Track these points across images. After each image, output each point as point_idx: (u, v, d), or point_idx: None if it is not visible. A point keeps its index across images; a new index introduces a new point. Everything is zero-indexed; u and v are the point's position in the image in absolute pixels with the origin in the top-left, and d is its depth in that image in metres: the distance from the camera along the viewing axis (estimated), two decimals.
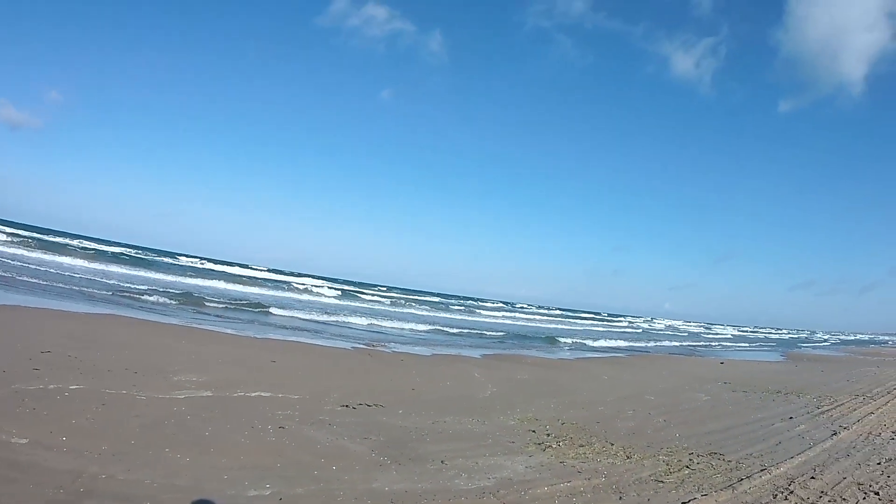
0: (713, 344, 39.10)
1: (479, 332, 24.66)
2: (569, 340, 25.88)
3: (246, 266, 50.63)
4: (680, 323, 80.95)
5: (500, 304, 62.48)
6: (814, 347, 48.46)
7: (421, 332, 21.78)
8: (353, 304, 35.52)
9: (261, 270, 50.41)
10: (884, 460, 6.21)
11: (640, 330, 52.83)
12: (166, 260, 41.89)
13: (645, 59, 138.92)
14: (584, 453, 5.94)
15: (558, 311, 66.57)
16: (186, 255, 49.14)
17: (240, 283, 32.94)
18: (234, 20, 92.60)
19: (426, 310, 38.56)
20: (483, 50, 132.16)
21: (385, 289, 57.55)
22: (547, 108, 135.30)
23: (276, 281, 41.71)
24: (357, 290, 48.47)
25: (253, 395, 6.98)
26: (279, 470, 4.53)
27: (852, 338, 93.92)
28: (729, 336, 56.25)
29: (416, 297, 49.31)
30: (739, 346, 38.91)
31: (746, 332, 78.50)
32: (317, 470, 4.63)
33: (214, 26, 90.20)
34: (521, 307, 65.68)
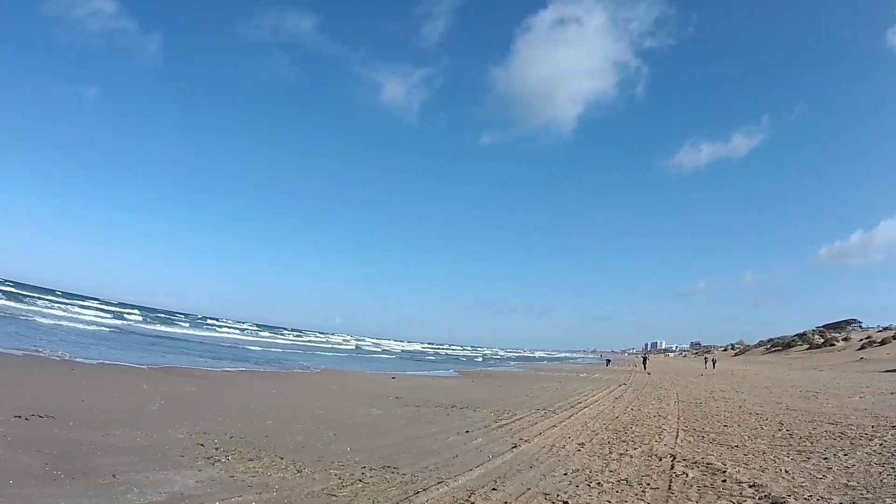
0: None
1: (150, 341, 25.25)
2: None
3: None
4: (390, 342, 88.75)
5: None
6: (490, 364, 51.15)
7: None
8: None
9: None
10: (570, 471, 6.46)
11: (354, 347, 56.88)
12: None
13: (359, 82, 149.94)
14: (254, 467, 6.00)
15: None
16: None
17: None
18: None
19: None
20: (200, 58, 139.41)
21: None
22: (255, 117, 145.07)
23: None
24: None
25: None
26: None
27: (533, 355, 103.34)
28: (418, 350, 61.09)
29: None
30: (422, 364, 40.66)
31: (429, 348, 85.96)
32: None
33: None
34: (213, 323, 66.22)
